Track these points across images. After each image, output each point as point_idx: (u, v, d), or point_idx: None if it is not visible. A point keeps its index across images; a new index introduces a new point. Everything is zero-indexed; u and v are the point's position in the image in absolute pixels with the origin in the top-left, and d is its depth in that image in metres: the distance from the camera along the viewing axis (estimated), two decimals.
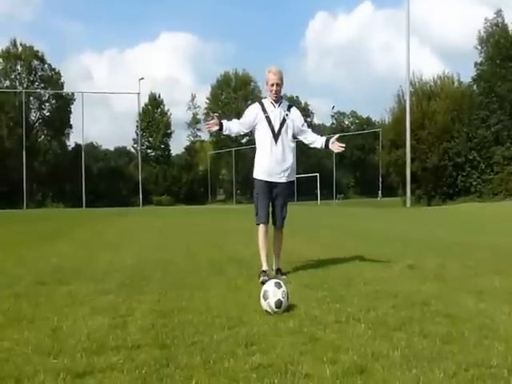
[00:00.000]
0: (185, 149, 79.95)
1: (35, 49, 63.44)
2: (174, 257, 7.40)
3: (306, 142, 5.57)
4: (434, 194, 35.15)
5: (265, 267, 5.28)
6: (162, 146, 73.53)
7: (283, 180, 5.35)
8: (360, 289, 4.54)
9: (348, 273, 5.49)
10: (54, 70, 64.70)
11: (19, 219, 24.22)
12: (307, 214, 25.77)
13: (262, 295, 3.77)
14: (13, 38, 62.97)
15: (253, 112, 5.39)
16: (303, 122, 5.52)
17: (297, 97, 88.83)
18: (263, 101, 5.44)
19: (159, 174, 70.46)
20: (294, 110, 5.45)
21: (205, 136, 78.84)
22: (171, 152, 75.90)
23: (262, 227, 5.36)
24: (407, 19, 32.95)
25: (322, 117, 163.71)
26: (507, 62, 32.62)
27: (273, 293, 3.72)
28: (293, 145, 5.44)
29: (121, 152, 78.76)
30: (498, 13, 34.43)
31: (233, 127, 5.46)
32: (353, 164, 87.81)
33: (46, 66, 64.12)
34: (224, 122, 5.47)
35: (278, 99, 5.37)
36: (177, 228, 15.00)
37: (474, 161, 33.05)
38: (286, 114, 5.33)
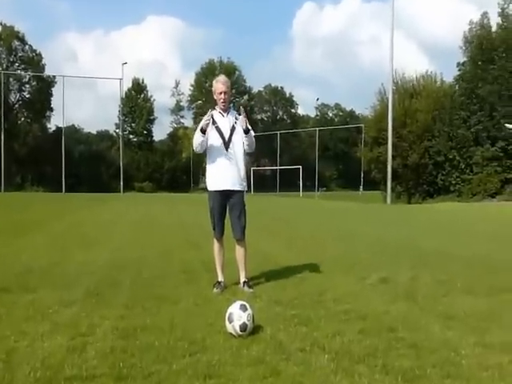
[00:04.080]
0: (168, 135, 79.58)
1: (16, 29, 62.38)
2: (147, 257, 7.35)
3: (246, 147, 5.41)
4: (415, 191, 35.38)
5: (220, 278, 5.38)
6: (145, 132, 73.02)
7: (237, 188, 5.34)
8: (329, 307, 4.49)
9: (320, 286, 5.45)
10: (35, 51, 63.68)
11: None
12: (289, 208, 25.76)
13: (226, 317, 3.70)
14: None
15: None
16: (250, 128, 5.41)
17: (281, 87, 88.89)
18: (212, 112, 5.37)
19: (141, 160, 69.97)
20: (241, 117, 5.37)
21: (188, 123, 78.59)
22: (154, 138, 75.51)
23: (216, 241, 5.47)
24: (392, 18, 32.83)
25: (307, 108, 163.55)
26: (488, 64, 32.77)
27: (238, 316, 3.65)
28: (243, 153, 5.39)
29: (103, 136, 78.02)
30: (484, 14, 34.65)
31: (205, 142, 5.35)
32: (336, 156, 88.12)
33: (27, 47, 63.10)
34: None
35: (227, 108, 5.38)
36: (155, 220, 14.87)
37: (453, 160, 33.23)
38: (235, 122, 5.33)
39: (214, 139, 5.30)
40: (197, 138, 5.27)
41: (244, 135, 5.29)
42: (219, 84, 5.29)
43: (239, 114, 5.31)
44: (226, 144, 5.27)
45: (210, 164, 5.39)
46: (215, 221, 5.39)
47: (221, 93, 5.26)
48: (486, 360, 3.20)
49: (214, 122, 5.30)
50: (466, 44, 35.16)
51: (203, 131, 5.21)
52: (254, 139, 5.43)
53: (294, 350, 3.36)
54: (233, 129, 5.31)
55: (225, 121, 5.31)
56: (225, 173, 5.29)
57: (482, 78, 32.79)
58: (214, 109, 5.42)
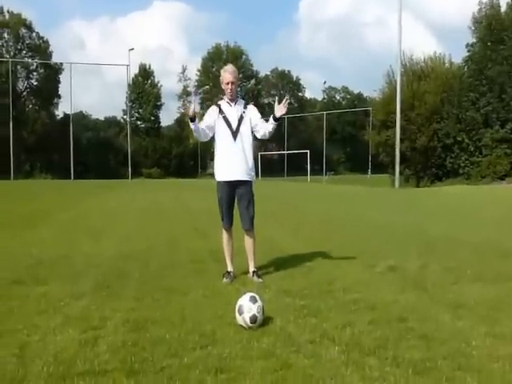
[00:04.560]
0: (175, 121, 79.53)
1: (23, 17, 62.35)
2: (155, 246, 7.38)
3: (260, 134, 5.41)
4: (423, 174, 35.19)
5: (229, 268, 5.39)
6: (152, 118, 73.06)
7: (246, 178, 5.33)
8: (338, 297, 4.49)
9: (329, 275, 5.44)
10: (42, 38, 63.75)
11: (4, 194, 23.98)
12: (296, 193, 25.74)
13: (236, 309, 3.71)
14: (0, 6, 61.85)
15: (211, 115, 5.34)
16: (260, 116, 5.41)
17: (288, 71, 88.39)
18: (220, 102, 5.40)
19: (149, 146, 70.04)
20: (250, 107, 5.42)
21: (195, 108, 78.47)
22: (161, 124, 75.55)
23: (225, 232, 5.47)
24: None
25: (314, 91, 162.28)
26: (498, 45, 32.33)
27: (248, 308, 3.66)
28: (251, 143, 5.37)
29: (111, 122, 78.10)
30: None
31: (201, 127, 5.26)
32: (343, 140, 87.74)
33: (34, 34, 63.17)
34: (197, 119, 5.26)
35: (234, 98, 5.35)
36: (162, 208, 14.91)
37: (462, 142, 32.99)
38: (243, 112, 5.31)
39: (221, 129, 5.28)
40: (192, 129, 5.23)
41: (273, 122, 5.25)
42: (227, 74, 5.26)
43: (279, 102, 5.19)
44: (234, 134, 5.26)
45: (217, 154, 5.38)
46: (223, 211, 5.39)
47: (228, 83, 5.23)
48: (497, 351, 3.19)
49: (221, 112, 5.29)
50: (475, 24, 34.68)
51: (191, 119, 5.12)
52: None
53: (303, 341, 3.36)
54: (241, 119, 5.28)
55: (232, 111, 5.29)
56: (233, 163, 5.27)
57: (491, 59, 32.39)
58: (222, 98, 5.42)
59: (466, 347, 3.26)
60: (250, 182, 5.38)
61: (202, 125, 5.29)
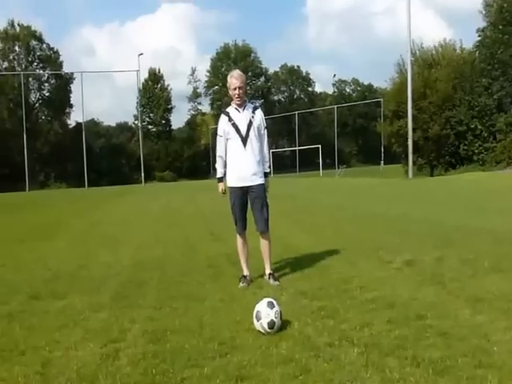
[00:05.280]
0: (186, 123, 79.92)
1: (33, 29, 63.22)
2: (170, 254, 7.39)
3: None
4: (437, 163, 34.86)
5: (245, 272, 5.40)
6: (163, 122, 73.49)
7: (258, 182, 5.34)
8: (356, 296, 4.48)
9: (345, 273, 5.44)
10: (53, 49, 64.66)
11: (20, 206, 24.26)
12: (308, 189, 25.69)
13: (254, 315, 3.72)
14: (10, 19, 62.87)
15: (222, 126, 5.38)
16: (264, 127, 5.45)
17: (298, 66, 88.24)
18: (228, 109, 5.42)
19: (161, 149, 70.44)
20: (258, 112, 5.40)
21: (206, 109, 78.88)
22: (172, 127, 75.98)
23: (239, 236, 5.49)
24: None
25: (324, 84, 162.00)
26: (510, 28, 31.81)
27: (265, 313, 3.66)
28: (260, 147, 5.39)
29: (123, 128, 78.68)
30: None
31: (223, 164, 5.49)
32: (355, 132, 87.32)
33: (45, 45, 64.08)
34: (221, 174, 5.54)
35: (243, 103, 5.36)
36: (176, 212, 14.97)
37: (476, 129, 32.60)
38: (252, 116, 5.32)
39: (232, 137, 5.29)
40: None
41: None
42: (233, 79, 5.25)
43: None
44: (244, 140, 5.26)
45: (229, 160, 5.40)
46: (237, 216, 5.40)
47: (235, 88, 5.23)
48: None
49: (230, 120, 5.30)
50: (486, 8, 34.14)
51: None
52: (267, 154, 5.52)
53: (322, 345, 3.36)
54: (249, 124, 5.28)
55: (241, 117, 5.29)
56: (244, 169, 5.29)
57: (503, 43, 31.87)
58: (230, 105, 5.42)
59: (486, 343, 3.23)
60: (263, 184, 5.38)
61: (221, 159, 5.47)
